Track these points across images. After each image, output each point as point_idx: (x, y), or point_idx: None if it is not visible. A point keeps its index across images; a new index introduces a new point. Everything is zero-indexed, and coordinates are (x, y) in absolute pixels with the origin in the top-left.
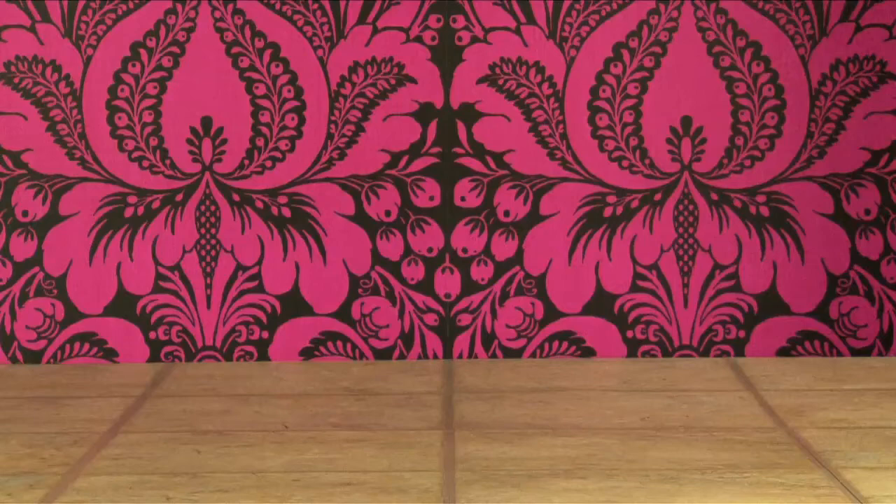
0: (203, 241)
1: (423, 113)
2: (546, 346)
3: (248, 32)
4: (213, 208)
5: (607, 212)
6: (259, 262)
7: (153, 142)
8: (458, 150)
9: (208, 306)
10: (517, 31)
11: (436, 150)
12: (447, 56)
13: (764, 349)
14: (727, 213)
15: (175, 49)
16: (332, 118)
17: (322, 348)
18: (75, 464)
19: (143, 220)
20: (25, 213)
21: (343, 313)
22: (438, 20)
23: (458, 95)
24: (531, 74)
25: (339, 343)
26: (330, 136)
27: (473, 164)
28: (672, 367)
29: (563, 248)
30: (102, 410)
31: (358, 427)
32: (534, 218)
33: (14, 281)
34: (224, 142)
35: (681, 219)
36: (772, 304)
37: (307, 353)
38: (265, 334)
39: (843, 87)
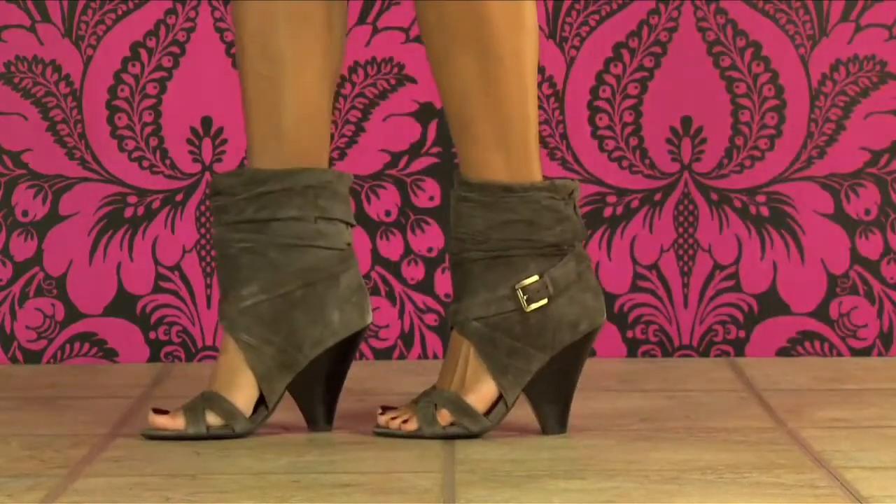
0: (203, 241)
1: (423, 113)
2: None
3: None
4: None
5: (607, 212)
6: None
7: (153, 142)
8: None
9: (208, 306)
10: None
11: (436, 150)
12: None
13: (764, 349)
14: (727, 213)
15: (175, 49)
16: (332, 118)
17: None
18: (75, 465)
19: (143, 220)
20: (25, 213)
21: None
22: None
23: None
24: None
25: None
26: (330, 136)
27: None
28: (672, 367)
29: None
30: (102, 411)
31: (358, 428)
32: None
33: (14, 281)
34: (224, 142)
35: (681, 219)
36: (772, 304)
37: None
38: None
39: (843, 87)
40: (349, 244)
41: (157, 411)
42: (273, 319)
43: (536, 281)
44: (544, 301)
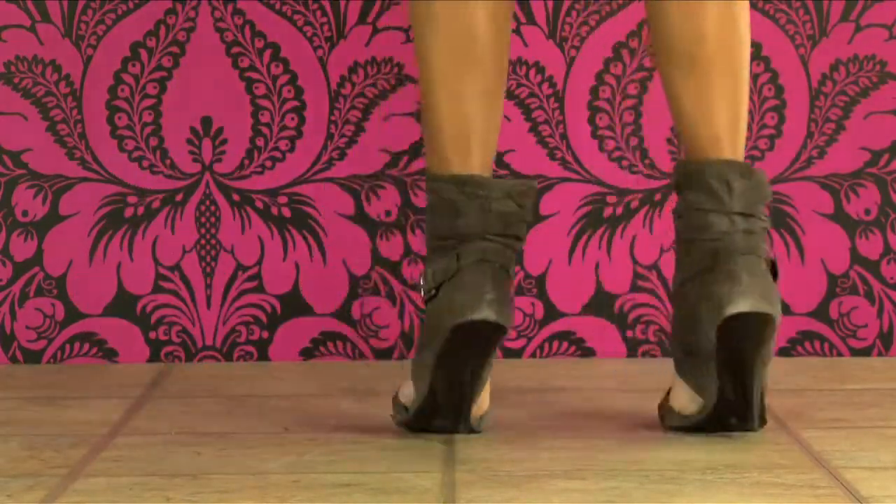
0: (203, 241)
1: None
2: (546, 346)
3: (248, 32)
4: (213, 208)
5: (607, 212)
6: (259, 262)
7: (153, 142)
8: None
9: (208, 306)
10: (517, 31)
11: None
12: None
13: None
14: None
15: (175, 49)
16: (332, 118)
17: (322, 348)
18: (75, 465)
19: (143, 220)
20: (25, 213)
21: (343, 313)
22: None
23: None
24: (531, 74)
25: (339, 343)
26: (330, 136)
27: None
28: (672, 367)
29: (563, 248)
30: (102, 411)
31: (358, 428)
32: (534, 218)
33: (14, 281)
34: (224, 142)
35: None
36: None
37: (307, 353)
38: (265, 334)
39: (843, 87)
40: None
41: None
42: None
43: (423, 273)
44: (430, 294)
